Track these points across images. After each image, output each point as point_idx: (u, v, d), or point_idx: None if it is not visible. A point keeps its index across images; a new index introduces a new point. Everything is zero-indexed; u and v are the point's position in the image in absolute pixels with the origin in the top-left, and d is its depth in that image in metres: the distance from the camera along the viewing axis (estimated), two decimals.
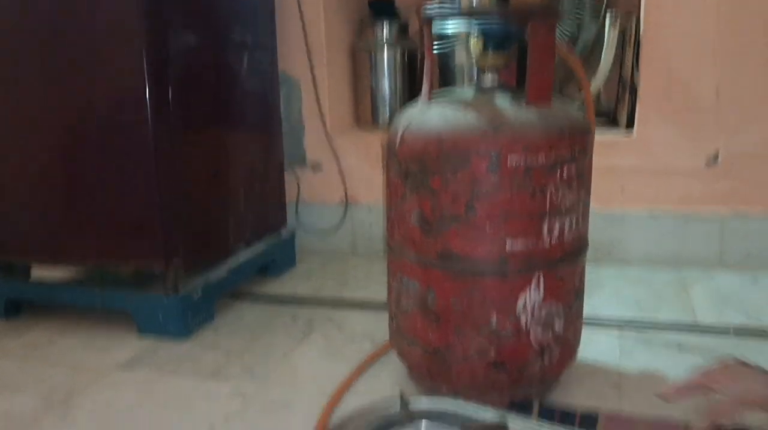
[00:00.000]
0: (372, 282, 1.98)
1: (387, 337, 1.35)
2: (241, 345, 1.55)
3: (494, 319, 1.11)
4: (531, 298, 1.11)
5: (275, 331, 1.63)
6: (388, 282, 1.28)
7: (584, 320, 1.28)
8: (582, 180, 1.14)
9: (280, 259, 2.08)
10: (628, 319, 1.60)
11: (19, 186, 1.67)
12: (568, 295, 1.17)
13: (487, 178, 1.06)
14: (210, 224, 1.77)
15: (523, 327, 1.11)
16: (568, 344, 1.20)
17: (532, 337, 1.12)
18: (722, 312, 1.63)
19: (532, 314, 1.12)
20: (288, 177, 2.20)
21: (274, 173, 2.08)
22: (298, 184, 2.27)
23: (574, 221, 1.13)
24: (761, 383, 0.96)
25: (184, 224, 1.65)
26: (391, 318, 1.30)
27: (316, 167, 2.26)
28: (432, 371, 1.20)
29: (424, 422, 1.02)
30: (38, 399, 1.32)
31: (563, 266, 1.14)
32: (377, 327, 1.60)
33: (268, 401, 1.28)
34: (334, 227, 2.26)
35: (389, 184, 1.21)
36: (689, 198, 1.96)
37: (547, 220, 1.09)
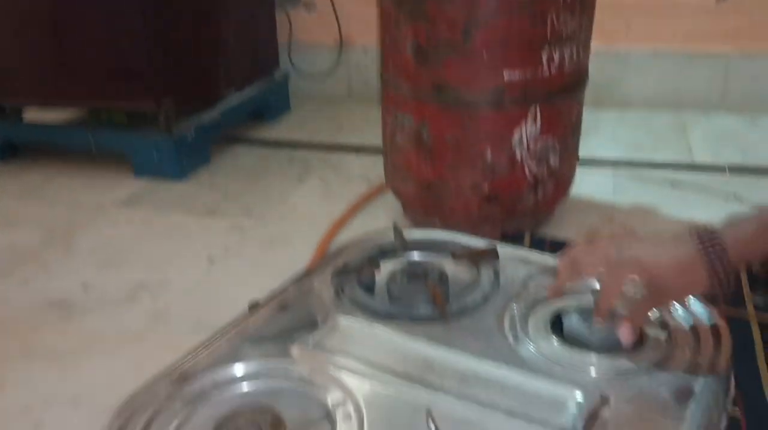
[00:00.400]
0: (368, 127, 1.94)
1: (383, 179, 1.35)
2: (237, 186, 1.56)
3: (489, 152, 1.10)
4: (527, 131, 1.10)
5: (271, 173, 1.63)
6: (383, 119, 1.26)
7: (580, 161, 1.28)
8: (585, 5, 1.08)
9: (275, 103, 2.04)
10: (624, 159, 1.60)
11: (8, 28, 1.61)
12: (564, 129, 1.15)
13: (486, 1, 1.00)
14: (200, 66, 1.72)
15: (518, 161, 1.11)
16: (563, 178, 1.20)
17: (526, 170, 1.12)
18: (719, 152, 1.63)
19: (528, 148, 1.11)
20: (279, 17, 2.11)
21: (264, 13, 1.99)
22: (290, 25, 2.17)
23: (574, 51, 1.09)
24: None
25: (174, 65, 1.60)
26: (385, 155, 1.29)
27: (310, 6, 2.15)
28: (426, 206, 1.21)
29: (416, 252, 1.05)
30: (40, 234, 1.35)
31: (561, 99, 1.11)
32: (373, 170, 1.59)
33: (266, 235, 1.31)
34: (329, 71, 2.20)
35: (383, 14, 1.15)
36: (695, 36, 1.88)
37: (546, 48, 1.05)
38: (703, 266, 0.68)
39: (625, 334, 0.73)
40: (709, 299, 0.77)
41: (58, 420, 0.82)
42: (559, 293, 0.83)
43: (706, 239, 0.68)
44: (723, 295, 0.70)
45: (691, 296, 0.79)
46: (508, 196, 1.14)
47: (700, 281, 0.68)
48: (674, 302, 0.81)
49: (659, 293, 0.71)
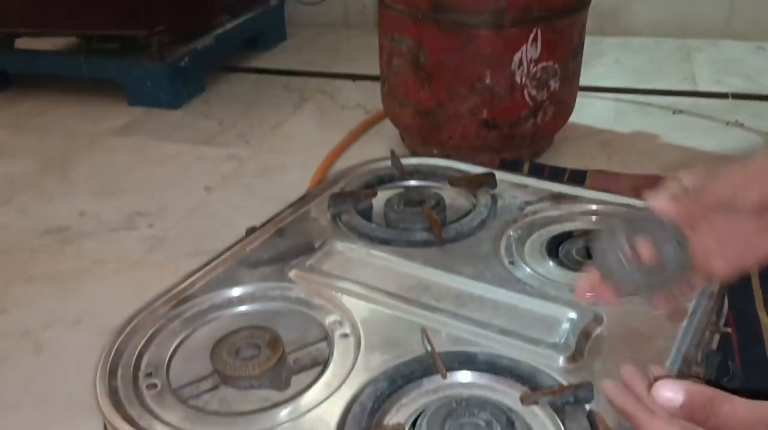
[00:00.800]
0: (365, 54, 1.90)
1: (381, 107, 1.33)
2: (233, 115, 1.54)
3: (488, 76, 1.08)
4: (527, 54, 1.07)
5: (267, 102, 1.61)
6: (380, 43, 1.23)
7: (581, 89, 1.25)
8: None
9: (270, 31, 1.99)
10: (627, 86, 1.58)
11: None
12: (565, 52, 1.12)
13: None
14: None
15: (518, 85, 1.09)
16: (563, 103, 1.18)
17: (526, 95, 1.10)
18: (723, 79, 1.60)
19: (528, 72, 1.09)
20: None
21: None
22: None
23: None
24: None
25: None
26: (382, 81, 1.27)
27: None
28: (423, 133, 1.20)
29: (413, 179, 1.04)
30: (37, 163, 1.34)
31: (563, 21, 1.08)
32: (371, 98, 1.57)
33: (263, 163, 1.30)
34: None
35: None
36: None
37: None
38: None
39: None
40: None
41: (59, 341, 0.83)
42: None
43: None
44: None
45: None
46: (507, 121, 1.12)
47: None
48: None
49: None
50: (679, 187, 0.52)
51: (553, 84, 1.12)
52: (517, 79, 1.08)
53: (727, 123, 1.35)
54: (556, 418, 0.58)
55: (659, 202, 0.52)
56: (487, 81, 1.08)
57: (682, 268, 0.52)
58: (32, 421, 0.71)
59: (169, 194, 1.18)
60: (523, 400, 0.57)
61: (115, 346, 0.68)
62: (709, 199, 0.50)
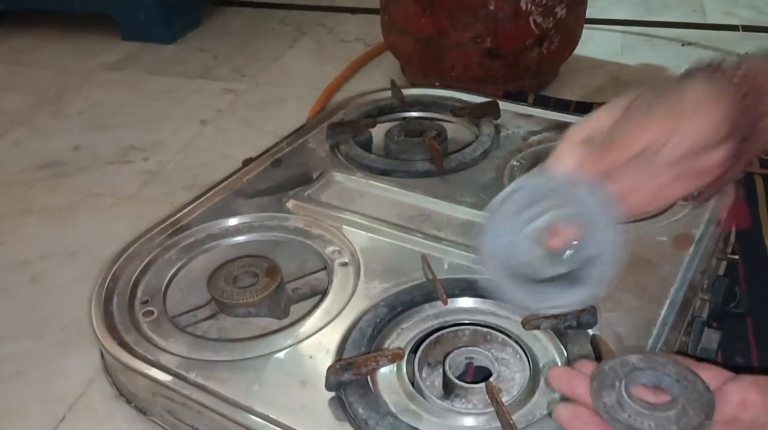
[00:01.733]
0: None
1: (381, 40, 1.29)
2: (229, 49, 1.50)
3: (491, 2, 1.04)
4: None
5: (264, 35, 1.56)
6: None
7: (587, 21, 1.21)
8: None
9: None
10: (634, 18, 1.53)
11: None
12: None
13: None
14: None
15: (523, 11, 1.05)
16: (570, 32, 1.14)
17: (531, 22, 1.06)
18: (732, 11, 1.55)
19: None
20: None
21: None
22: None
23: None
24: None
25: None
26: (382, 10, 1.22)
27: None
28: (425, 64, 1.17)
29: (414, 110, 1.01)
30: (30, 98, 1.31)
31: None
32: (370, 31, 1.52)
33: (260, 97, 1.27)
34: None
35: None
36: None
37: None
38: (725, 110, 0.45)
39: None
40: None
41: (56, 272, 0.82)
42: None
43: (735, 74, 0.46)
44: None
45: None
46: (511, 50, 1.09)
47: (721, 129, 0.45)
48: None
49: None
50: (585, 139, 0.47)
51: (560, 11, 1.08)
52: (522, 5, 1.04)
53: (737, 56, 1.31)
54: (558, 342, 0.57)
55: (566, 165, 0.46)
56: (491, 7, 1.04)
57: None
58: (30, 351, 0.71)
59: (165, 128, 1.16)
60: (525, 324, 0.56)
61: (111, 273, 0.67)
62: (622, 155, 0.45)
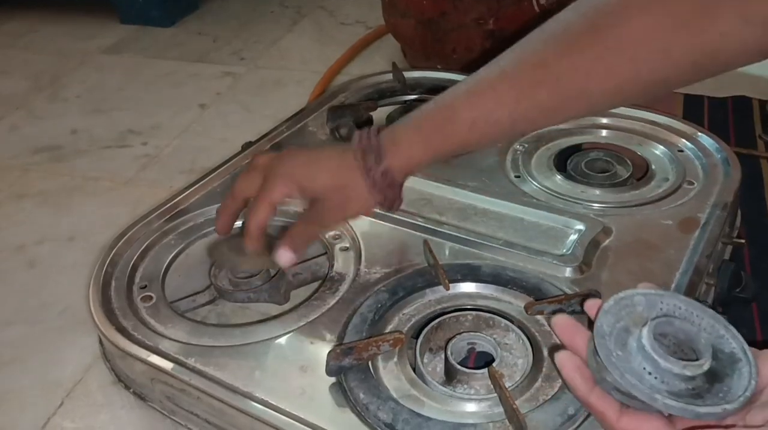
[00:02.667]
0: None
1: (382, 22, 1.27)
2: (227, 32, 1.48)
3: None
4: None
5: (263, 18, 1.54)
6: None
7: None
8: None
9: None
10: None
11: None
12: None
13: None
14: None
15: None
16: None
17: (534, 2, 1.04)
18: None
19: None
20: None
21: None
22: None
23: None
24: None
25: None
26: None
27: None
28: (426, 47, 1.15)
29: (416, 93, 1.00)
30: (27, 82, 1.30)
31: None
32: (372, 13, 1.50)
33: (259, 80, 1.25)
34: None
35: None
36: None
37: None
38: (360, 179, 0.55)
39: (283, 257, 0.58)
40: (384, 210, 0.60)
41: (53, 256, 0.81)
42: (225, 226, 0.62)
43: (366, 147, 0.55)
44: (388, 208, 0.57)
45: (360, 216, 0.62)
46: (514, 32, 1.07)
47: (360, 196, 0.56)
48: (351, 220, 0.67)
49: (317, 211, 0.58)
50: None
51: None
52: None
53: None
54: None
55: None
56: None
57: None
58: (27, 336, 0.70)
59: (163, 112, 1.15)
60: (528, 309, 0.55)
61: (109, 258, 0.66)
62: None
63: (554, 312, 0.56)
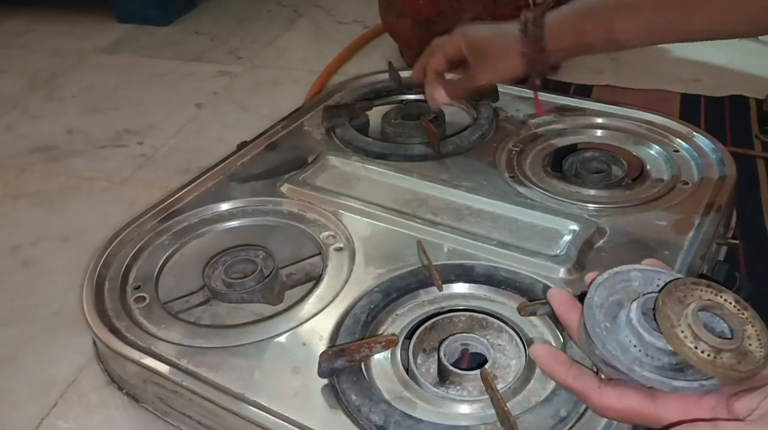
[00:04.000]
0: None
1: (379, 22, 1.27)
2: (225, 31, 1.48)
3: None
4: None
5: (260, 17, 1.54)
6: None
7: None
8: None
9: None
10: None
11: None
12: None
13: None
14: None
15: None
16: None
17: (531, 2, 1.04)
18: None
19: None
20: None
21: None
22: None
23: None
24: None
25: None
26: None
27: None
28: (423, 45, 1.14)
29: (412, 93, 1.00)
30: (23, 81, 1.29)
31: None
32: (369, 12, 1.50)
33: (256, 80, 1.25)
34: None
35: None
36: None
37: None
38: (516, 47, 0.68)
39: (437, 94, 0.80)
40: (522, 79, 0.75)
41: (48, 257, 0.81)
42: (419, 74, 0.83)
43: (529, 20, 0.67)
44: (536, 76, 0.71)
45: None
46: None
47: (513, 60, 0.69)
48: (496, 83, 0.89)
49: (474, 66, 0.73)
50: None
51: None
52: None
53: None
54: (555, 329, 0.57)
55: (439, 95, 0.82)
56: None
57: None
58: (20, 337, 0.70)
59: (159, 112, 1.14)
60: (521, 310, 0.55)
61: (103, 258, 0.66)
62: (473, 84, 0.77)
63: (547, 314, 0.56)
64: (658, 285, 0.41)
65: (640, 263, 0.43)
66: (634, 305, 0.39)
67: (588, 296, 0.41)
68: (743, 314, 0.38)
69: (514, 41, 0.67)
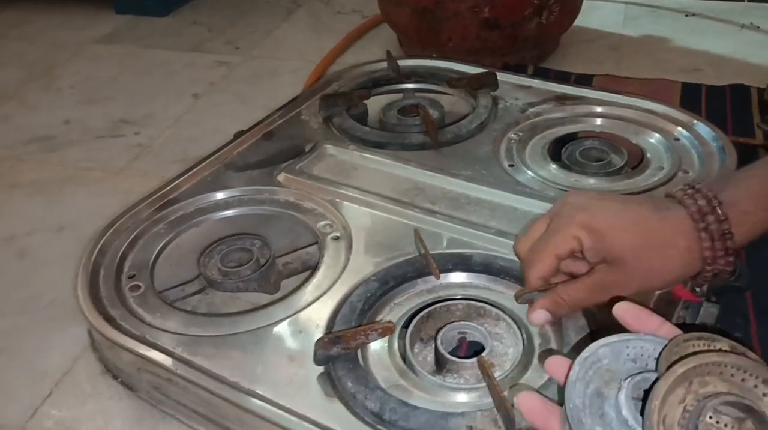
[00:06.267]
0: None
1: (377, 12, 1.26)
2: (223, 21, 1.47)
3: None
4: None
5: (259, 8, 1.53)
6: None
7: None
8: None
9: None
10: None
11: None
12: None
13: None
14: None
15: None
16: (570, 1, 1.11)
17: None
18: None
19: None
20: None
21: None
22: None
23: None
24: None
25: None
26: None
27: None
28: (422, 36, 1.14)
29: (411, 82, 0.99)
30: (20, 72, 1.29)
31: None
32: (368, 2, 1.49)
33: (253, 70, 1.24)
34: None
35: None
36: None
37: None
38: (693, 242, 0.46)
39: (537, 316, 0.51)
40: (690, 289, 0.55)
41: (43, 247, 0.81)
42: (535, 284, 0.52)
43: (706, 210, 0.46)
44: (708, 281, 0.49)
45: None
46: (509, 21, 1.06)
47: (685, 264, 0.47)
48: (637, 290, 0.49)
49: (612, 276, 0.48)
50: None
51: None
52: None
53: (742, 26, 1.28)
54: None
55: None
56: None
57: None
58: (15, 327, 0.69)
59: (156, 102, 1.14)
60: (518, 298, 0.54)
61: (98, 247, 0.66)
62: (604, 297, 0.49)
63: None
64: (628, 354, 0.37)
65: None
66: (622, 398, 0.35)
67: (567, 403, 0.36)
68: (749, 376, 0.34)
69: (684, 238, 0.46)
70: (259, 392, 0.51)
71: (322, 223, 0.70)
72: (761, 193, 0.47)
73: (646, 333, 0.38)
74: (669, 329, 0.38)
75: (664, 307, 0.55)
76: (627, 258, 0.47)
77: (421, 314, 0.57)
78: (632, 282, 0.47)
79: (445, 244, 0.65)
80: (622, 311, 0.39)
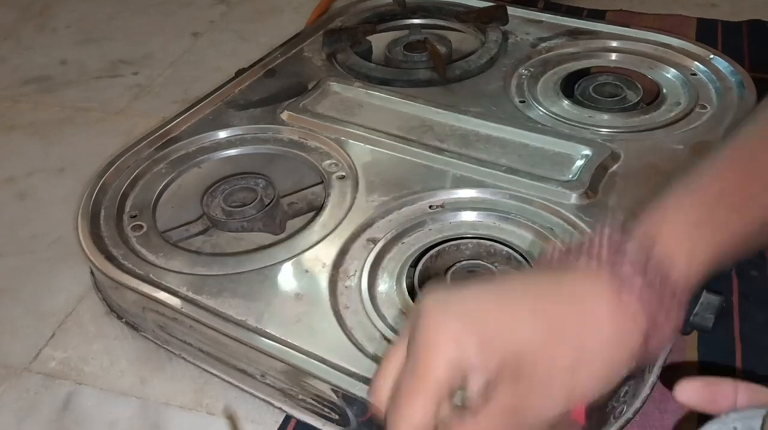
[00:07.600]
0: None
1: None
2: None
3: None
4: None
5: None
6: None
7: None
8: None
9: None
10: None
11: None
12: None
13: None
14: None
15: None
16: None
17: None
18: None
19: None
20: None
21: None
22: None
23: None
24: None
25: None
26: None
27: None
28: None
29: (417, 17, 0.95)
30: (15, 12, 1.24)
31: None
32: None
33: (254, 7, 1.20)
34: None
35: None
36: None
37: None
38: (627, 306, 0.33)
39: None
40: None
41: (43, 188, 0.79)
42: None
43: (630, 248, 0.34)
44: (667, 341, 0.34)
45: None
46: None
47: (628, 338, 0.33)
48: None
49: (527, 388, 0.32)
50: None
51: None
52: None
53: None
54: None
55: None
56: None
57: None
58: (17, 268, 0.68)
59: (155, 42, 1.10)
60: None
61: (98, 186, 0.64)
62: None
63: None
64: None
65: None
66: None
67: None
68: None
69: (612, 300, 0.33)
70: (266, 330, 0.50)
71: (328, 162, 0.68)
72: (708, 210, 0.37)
73: (728, 409, 0.30)
74: (745, 391, 0.30)
75: None
76: (540, 357, 0.32)
77: (430, 253, 0.56)
78: (552, 392, 0.32)
79: (454, 182, 0.63)
80: (685, 395, 0.30)
